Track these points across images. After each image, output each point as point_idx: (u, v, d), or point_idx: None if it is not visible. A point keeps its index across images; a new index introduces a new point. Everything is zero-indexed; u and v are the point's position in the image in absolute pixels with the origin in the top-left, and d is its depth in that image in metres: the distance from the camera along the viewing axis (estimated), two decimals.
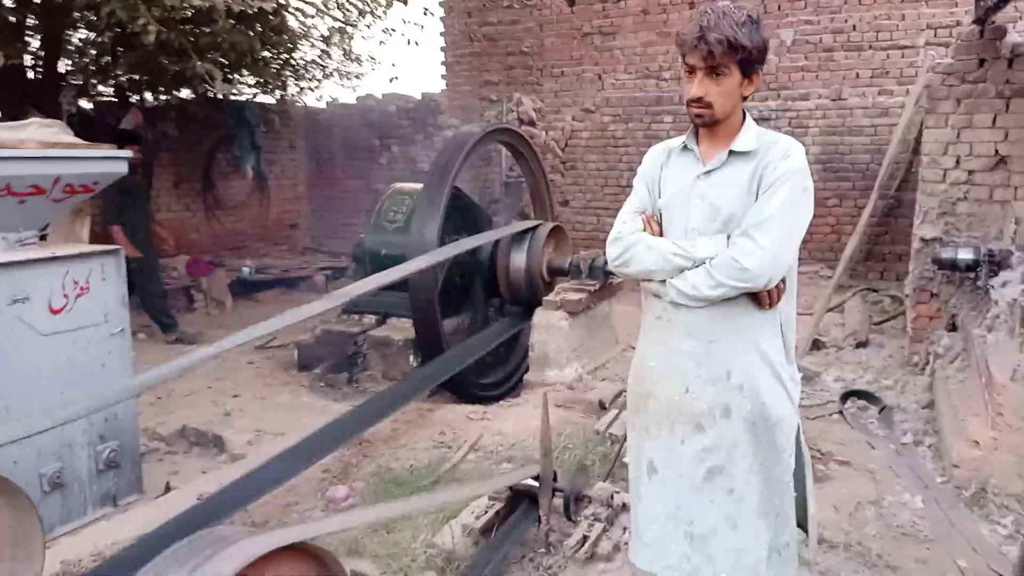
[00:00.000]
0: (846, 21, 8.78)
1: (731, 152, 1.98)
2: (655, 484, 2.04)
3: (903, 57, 8.46)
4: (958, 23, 7.89)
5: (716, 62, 1.88)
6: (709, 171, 1.99)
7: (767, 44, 1.97)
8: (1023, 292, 3.83)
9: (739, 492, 1.96)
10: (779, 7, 9.11)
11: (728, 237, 1.93)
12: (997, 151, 4.96)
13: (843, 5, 8.78)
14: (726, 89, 1.92)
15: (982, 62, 4.96)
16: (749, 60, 1.91)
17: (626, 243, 2.05)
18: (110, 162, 3.94)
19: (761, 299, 1.93)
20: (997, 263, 4.39)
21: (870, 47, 8.66)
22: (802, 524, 2.14)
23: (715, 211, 1.96)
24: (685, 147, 2.07)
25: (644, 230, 2.06)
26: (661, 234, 2.06)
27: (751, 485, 1.96)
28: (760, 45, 1.92)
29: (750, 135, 1.98)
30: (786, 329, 2.01)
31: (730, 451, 1.95)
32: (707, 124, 1.98)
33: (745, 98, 1.98)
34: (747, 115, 2.02)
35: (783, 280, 1.95)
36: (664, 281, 1.99)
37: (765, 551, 1.96)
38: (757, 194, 1.93)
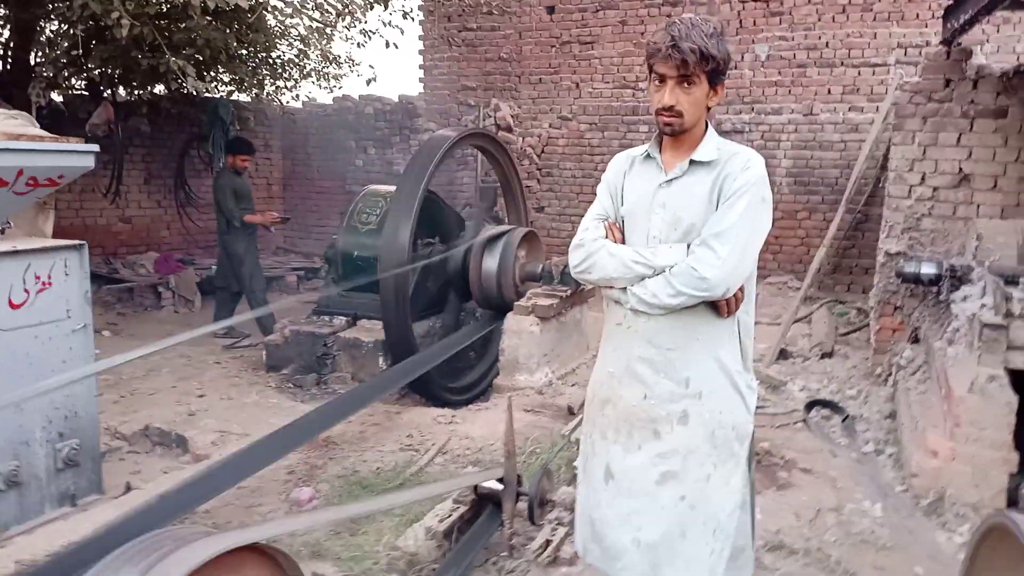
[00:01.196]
0: (819, 38, 8.93)
1: (692, 162, 2.00)
2: (610, 489, 2.03)
3: (874, 75, 8.62)
4: (927, 43, 8.06)
5: (688, 71, 1.91)
6: (671, 180, 2.01)
7: (730, 56, 2.02)
8: (982, 307, 3.91)
9: (691, 499, 1.95)
10: (754, 22, 9.24)
11: (688, 246, 1.95)
12: (961, 169, 5.08)
13: (817, 22, 8.94)
14: (695, 99, 1.95)
15: (948, 82, 5.08)
16: (717, 71, 1.95)
17: (588, 250, 2.06)
18: (76, 155, 3.87)
19: (720, 308, 1.95)
20: (959, 278, 4.47)
21: (842, 64, 8.81)
22: None
23: (676, 220, 1.98)
24: (648, 156, 2.09)
25: (606, 237, 2.07)
26: (623, 241, 2.07)
27: (704, 494, 1.95)
28: (726, 57, 1.96)
29: (711, 145, 2.00)
30: (744, 337, 2.03)
31: (686, 458, 1.96)
32: (676, 133, 1.99)
33: (709, 109, 2.00)
34: (709, 126, 2.04)
35: (741, 289, 1.97)
36: (625, 289, 2.00)
37: (715, 562, 1.94)
38: (717, 204, 1.95)
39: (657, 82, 1.97)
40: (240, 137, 7.41)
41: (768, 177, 2.00)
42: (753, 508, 2.07)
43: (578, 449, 3.78)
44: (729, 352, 2.00)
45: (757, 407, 4.44)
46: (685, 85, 1.93)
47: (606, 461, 2.05)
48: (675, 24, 1.93)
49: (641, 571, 1.97)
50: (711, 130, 2.04)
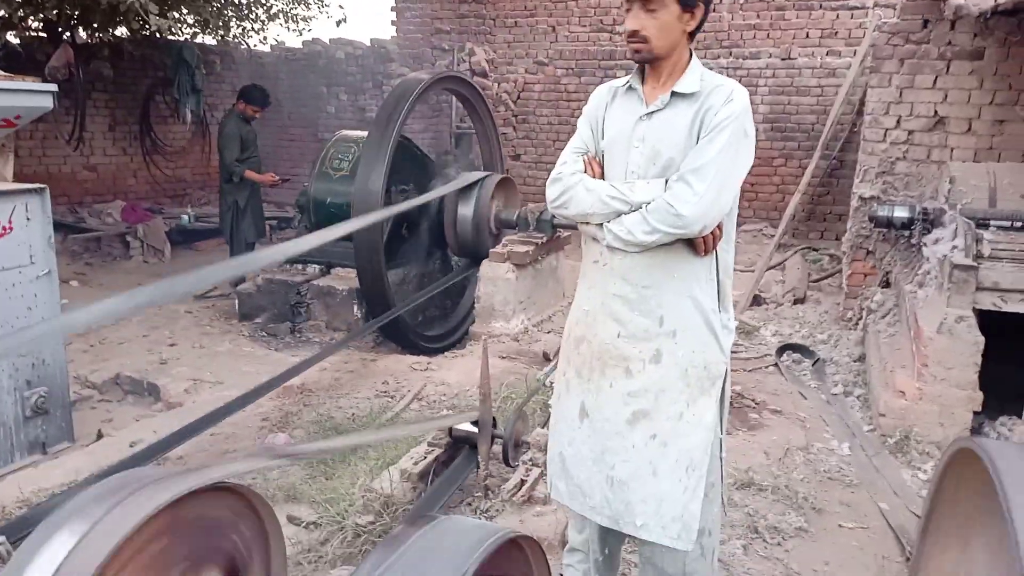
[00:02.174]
0: None
1: (674, 93, 1.90)
2: (585, 427, 2.01)
3: (852, 18, 8.54)
4: None
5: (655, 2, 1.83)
6: (651, 112, 1.93)
7: None
8: (953, 249, 3.94)
9: (662, 438, 1.92)
10: None
11: (667, 182, 1.88)
12: (936, 112, 5.07)
13: None
14: (663, 23, 1.85)
15: (926, 23, 5.03)
16: None
17: (565, 184, 2.00)
18: (33, 95, 3.73)
19: (696, 245, 1.88)
20: (931, 221, 4.50)
21: (820, 7, 8.71)
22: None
23: (655, 154, 1.91)
24: (630, 87, 2.00)
25: (585, 171, 2.00)
26: (603, 176, 2.00)
27: (676, 431, 1.92)
28: None
29: (694, 76, 1.91)
30: (722, 276, 1.98)
31: (658, 396, 1.92)
32: (645, 60, 1.91)
33: (691, 35, 1.91)
34: (693, 56, 1.95)
35: (720, 227, 1.91)
36: (601, 225, 1.94)
37: (688, 499, 1.91)
38: (698, 138, 1.87)
39: (626, 7, 1.88)
40: (257, 85, 7.10)
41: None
42: (722, 446, 2.07)
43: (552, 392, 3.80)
44: (705, 291, 1.94)
45: (731, 352, 4.45)
46: (649, 9, 1.83)
47: (581, 399, 2.02)
48: None
49: (613, 510, 1.96)
50: (695, 60, 1.93)
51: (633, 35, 1.87)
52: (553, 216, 6.12)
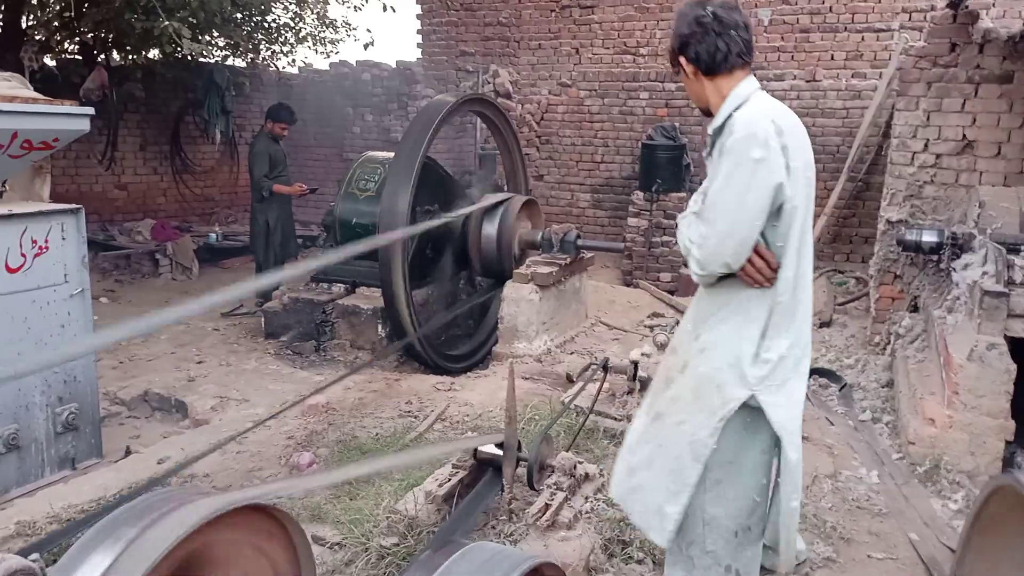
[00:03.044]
0: (823, 2, 8.81)
1: (710, 134, 2.04)
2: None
3: (878, 40, 8.52)
4: (932, 7, 7.93)
5: (673, 60, 2.07)
6: (706, 154, 2.11)
7: (689, 25, 1.98)
8: (984, 275, 3.90)
9: (660, 439, 2.09)
10: None
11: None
12: (964, 136, 5.03)
13: None
14: (687, 84, 2.08)
15: (954, 47, 5.00)
16: (682, 48, 2.01)
17: (678, 221, 2.17)
18: (71, 118, 3.83)
19: (740, 277, 1.94)
20: (960, 246, 4.45)
21: (845, 29, 8.70)
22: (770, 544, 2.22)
23: (703, 191, 2.04)
24: None
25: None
26: None
27: (672, 438, 2.05)
28: (682, 31, 1.99)
29: (719, 117, 1.99)
30: (775, 307, 1.96)
31: (674, 402, 2.08)
32: (705, 115, 2.09)
33: (711, 76, 1.99)
34: (729, 97, 1.99)
35: (763, 255, 1.91)
36: None
37: (663, 500, 2.04)
38: None
39: None
40: (283, 104, 7.31)
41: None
42: (779, 513, 2.09)
43: (576, 416, 3.80)
44: (748, 321, 1.97)
45: None
46: (678, 78, 2.14)
47: (656, 409, 2.20)
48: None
49: (620, 494, 2.19)
50: (728, 100, 1.98)
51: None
52: (578, 237, 6.15)
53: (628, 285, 8.38)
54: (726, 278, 1.96)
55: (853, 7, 8.64)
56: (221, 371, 5.39)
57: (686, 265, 2.23)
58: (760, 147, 1.86)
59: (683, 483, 2.01)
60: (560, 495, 3.03)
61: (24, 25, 7.60)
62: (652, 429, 2.12)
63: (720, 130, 1.97)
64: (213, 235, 9.32)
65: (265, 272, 7.16)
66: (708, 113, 2.06)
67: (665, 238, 8.47)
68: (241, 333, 6.43)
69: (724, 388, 1.97)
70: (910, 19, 8.30)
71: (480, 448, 3.16)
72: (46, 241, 3.67)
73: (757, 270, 1.91)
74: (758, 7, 9.10)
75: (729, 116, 1.95)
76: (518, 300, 5.59)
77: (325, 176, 11.04)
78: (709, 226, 1.89)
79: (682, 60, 2.02)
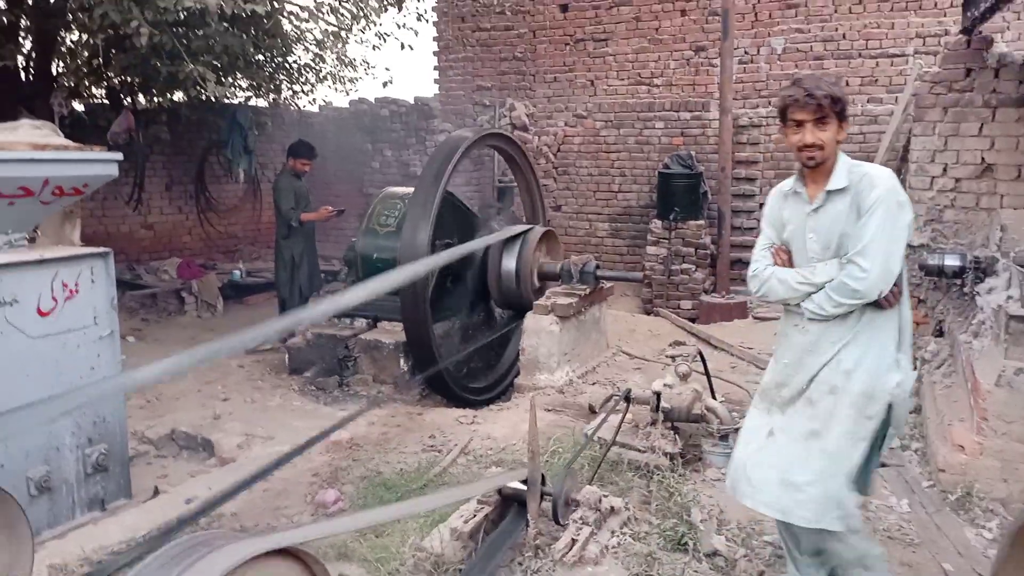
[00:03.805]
0: (836, 29, 8.86)
1: (828, 192, 2.42)
2: (771, 443, 2.54)
3: (892, 65, 8.54)
4: (946, 32, 7.97)
5: (824, 113, 2.36)
6: (815, 208, 2.45)
7: (842, 91, 2.45)
8: (1008, 299, 3.86)
9: (829, 451, 2.42)
10: (770, 15, 9.19)
11: (841, 260, 2.39)
12: (983, 159, 5.02)
13: (833, 14, 8.87)
14: (831, 135, 2.39)
15: (969, 72, 5.02)
16: (843, 111, 2.41)
17: (761, 279, 2.57)
18: (100, 164, 3.93)
19: (880, 304, 2.37)
20: (983, 270, 4.42)
21: (859, 55, 8.74)
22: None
23: (827, 242, 2.43)
24: (795, 191, 2.55)
25: (775, 263, 2.57)
26: (790, 260, 2.55)
27: (840, 447, 2.42)
28: (847, 99, 2.44)
29: (842, 174, 2.41)
30: (902, 323, 2.45)
31: (826, 420, 2.43)
32: (817, 165, 2.42)
33: (839, 143, 2.42)
34: (840, 156, 2.44)
35: (897, 285, 2.37)
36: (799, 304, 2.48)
37: (844, 496, 2.41)
38: (857, 221, 2.36)
39: (795, 126, 2.43)
40: (303, 141, 7.49)
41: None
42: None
43: (600, 448, 3.80)
44: (883, 339, 2.42)
45: None
46: (821, 125, 2.38)
47: (771, 426, 2.56)
48: (803, 79, 2.43)
49: (782, 505, 2.46)
50: (841, 159, 2.44)
51: (810, 147, 2.40)
52: (597, 267, 6.17)
53: (648, 314, 8.37)
54: (855, 311, 2.39)
55: (866, 33, 8.68)
56: (246, 408, 5.44)
57: (795, 305, 2.51)
58: (901, 194, 2.38)
59: (843, 480, 2.41)
60: (586, 530, 3.02)
61: (54, 72, 7.84)
62: (814, 445, 2.44)
63: (842, 188, 2.39)
64: (237, 272, 9.46)
65: (289, 307, 7.25)
66: (817, 166, 2.42)
67: (684, 266, 8.47)
68: (265, 369, 6.50)
69: (878, 400, 2.40)
70: (924, 44, 8.32)
71: (505, 484, 3.16)
72: (76, 285, 3.75)
73: (893, 294, 2.37)
74: (771, 36, 9.17)
75: (851, 171, 2.41)
76: (539, 331, 5.61)
77: (346, 212, 11.17)
78: (871, 263, 2.30)
79: (847, 119, 2.46)
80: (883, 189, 2.33)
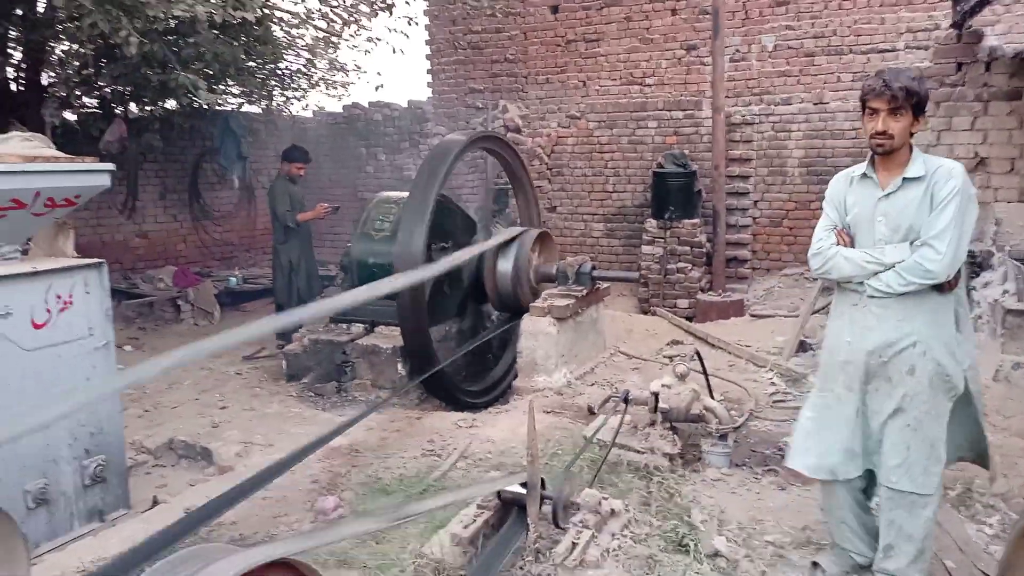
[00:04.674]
0: (827, 26, 8.87)
1: (905, 179, 2.54)
2: (860, 421, 2.68)
3: (883, 61, 8.55)
4: (936, 27, 7.99)
5: (898, 104, 2.47)
6: (888, 194, 2.56)
7: (928, 94, 2.61)
8: (1004, 293, 3.87)
9: (914, 426, 2.59)
10: (760, 13, 9.20)
11: (911, 243, 2.50)
12: (976, 153, 5.03)
13: (823, 10, 8.88)
14: (903, 126, 2.51)
15: (960, 66, 5.03)
16: (920, 104, 2.51)
17: (825, 256, 2.66)
18: (92, 175, 3.92)
19: (943, 287, 2.50)
20: (979, 264, 4.43)
21: (850, 51, 8.75)
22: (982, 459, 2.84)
23: (897, 225, 2.54)
24: (865, 175, 2.65)
25: (837, 243, 2.65)
26: (852, 244, 2.64)
27: (923, 423, 2.58)
28: (926, 94, 2.54)
29: (919, 164, 2.54)
30: (958, 306, 2.60)
31: (912, 397, 2.58)
32: (886, 152, 2.54)
33: (912, 135, 2.54)
34: (914, 148, 2.57)
35: (959, 271, 2.51)
36: (862, 281, 2.59)
37: (929, 463, 2.59)
38: (930, 209, 2.49)
39: (870, 114, 2.54)
40: (296, 145, 7.50)
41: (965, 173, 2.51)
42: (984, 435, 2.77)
43: (600, 450, 3.78)
44: (944, 320, 2.56)
45: (777, 401, 4.40)
46: (895, 115, 2.49)
47: (856, 404, 2.68)
48: (884, 71, 2.55)
49: (878, 467, 2.64)
50: (916, 151, 2.57)
51: (882, 134, 2.52)
52: (593, 268, 6.16)
53: (645, 313, 8.37)
54: (911, 292, 2.51)
55: (857, 29, 8.69)
56: (245, 416, 5.42)
57: (859, 283, 2.63)
58: (972, 188, 2.53)
59: (939, 458, 2.61)
60: (587, 533, 3.01)
61: (45, 82, 7.81)
62: (897, 421, 2.60)
63: (918, 176, 2.52)
64: (233, 279, 9.45)
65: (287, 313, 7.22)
66: (886, 153, 2.53)
67: (680, 265, 8.47)
68: (263, 376, 6.48)
69: (951, 377, 2.56)
70: (915, 39, 8.33)
71: (504, 487, 3.15)
72: (70, 296, 3.74)
73: (955, 279, 2.51)
74: (762, 33, 9.18)
75: (926, 161, 2.55)
76: (536, 334, 5.60)
77: (341, 216, 11.16)
78: (945, 247, 2.43)
79: (924, 113, 2.55)
80: (959, 181, 2.47)
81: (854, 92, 8.51)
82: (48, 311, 3.64)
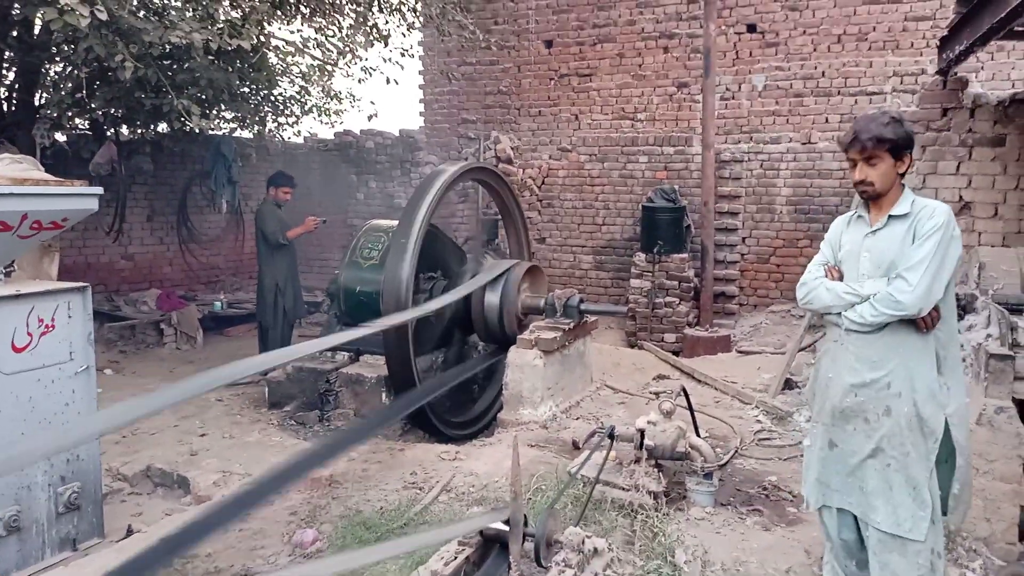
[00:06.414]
0: (815, 68, 9.02)
1: (891, 216, 2.60)
2: (835, 455, 2.71)
3: (870, 103, 8.69)
4: (923, 71, 8.14)
5: (870, 154, 2.55)
6: (875, 230, 2.64)
7: (911, 134, 2.60)
8: (988, 337, 3.90)
9: (894, 466, 2.57)
10: (750, 53, 9.35)
11: (888, 279, 2.53)
12: (961, 197, 5.10)
13: (812, 52, 9.03)
14: (882, 171, 2.57)
15: (945, 111, 5.12)
16: (897, 147, 2.55)
17: (810, 287, 2.75)
18: (80, 199, 3.90)
19: (919, 325, 2.51)
20: (963, 307, 4.46)
21: (839, 93, 8.89)
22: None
23: (880, 260, 2.60)
24: (859, 216, 2.74)
25: (826, 276, 2.73)
26: (841, 278, 2.70)
27: (903, 464, 2.56)
28: (904, 135, 2.56)
29: (906, 203, 2.60)
30: (939, 348, 2.58)
31: (889, 438, 2.57)
32: (872, 198, 2.63)
33: (902, 174, 2.61)
34: (905, 187, 2.64)
35: (937, 310, 2.50)
36: (840, 313, 2.64)
37: (916, 507, 2.53)
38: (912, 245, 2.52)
39: (851, 163, 2.64)
40: (282, 171, 7.53)
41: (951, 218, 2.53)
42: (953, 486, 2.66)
43: (583, 487, 3.76)
44: (924, 361, 2.55)
45: (763, 439, 4.39)
46: (871, 163, 2.56)
47: (829, 437, 2.72)
48: (858, 120, 2.62)
49: (860, 509, 2.64)
50: (907, 191, 2.64)
51: (861, 183, 2.61)
52: (581, 301, 6.17)
53: (632, 347, 8.37)
54: (887, 329, 2.53)
55: (845, 71, 8.85)
56: (224, 444, 5.34)
57: (834, 315, 2.68)
58: (956, 228, 2.56)
59: (923, 500, 2.55)
60: (569, 572, 2.96)
61: (37, 103, 7.80)
62: (877, 461, 2.60)
63: (903, 214, 2.57)
64: (218, 303, 9.38)
65: (271, 335, 7.19)
66: (872, 199, 2.61)
67: (668, 299, 8.49)
68: (244, 403, 6.40)
69: (930, 420, 2.54)
70: (901, 83, 8.48)
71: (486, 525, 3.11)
72: (52, 320, 3.70)
73: (931, 317, 2.50)
74: (752, 73, 9.32)
75: (914, 201, 2.59)
76: (522, 366, 5.58)
77: (330, 242, 11.17)
78: (918, 279, 2.44)
79: (910, 154, 2.61)
80: (942, 219, 2.51)
81: (841, 133, 8.64)
82: (29, 335, 3.59)
